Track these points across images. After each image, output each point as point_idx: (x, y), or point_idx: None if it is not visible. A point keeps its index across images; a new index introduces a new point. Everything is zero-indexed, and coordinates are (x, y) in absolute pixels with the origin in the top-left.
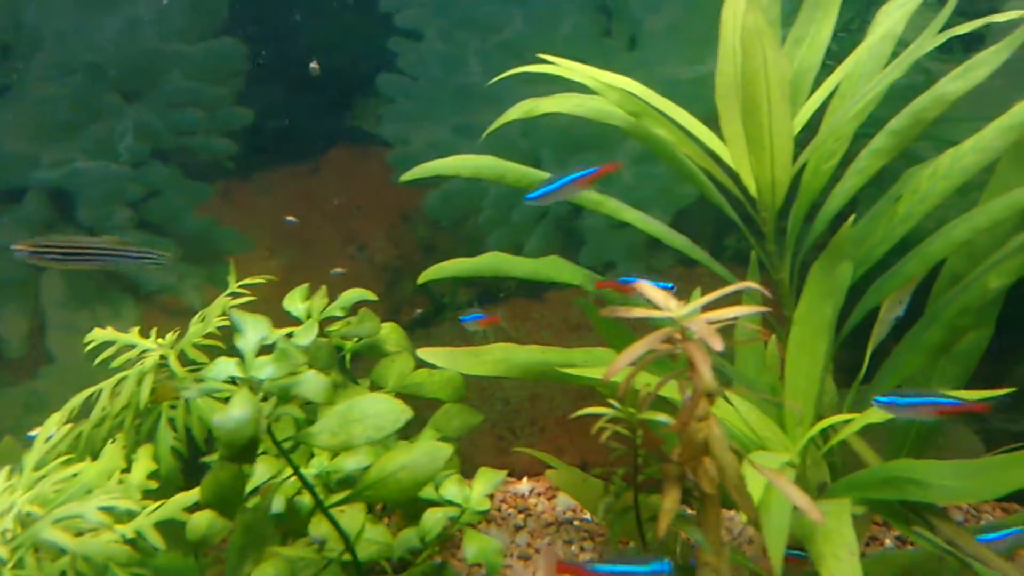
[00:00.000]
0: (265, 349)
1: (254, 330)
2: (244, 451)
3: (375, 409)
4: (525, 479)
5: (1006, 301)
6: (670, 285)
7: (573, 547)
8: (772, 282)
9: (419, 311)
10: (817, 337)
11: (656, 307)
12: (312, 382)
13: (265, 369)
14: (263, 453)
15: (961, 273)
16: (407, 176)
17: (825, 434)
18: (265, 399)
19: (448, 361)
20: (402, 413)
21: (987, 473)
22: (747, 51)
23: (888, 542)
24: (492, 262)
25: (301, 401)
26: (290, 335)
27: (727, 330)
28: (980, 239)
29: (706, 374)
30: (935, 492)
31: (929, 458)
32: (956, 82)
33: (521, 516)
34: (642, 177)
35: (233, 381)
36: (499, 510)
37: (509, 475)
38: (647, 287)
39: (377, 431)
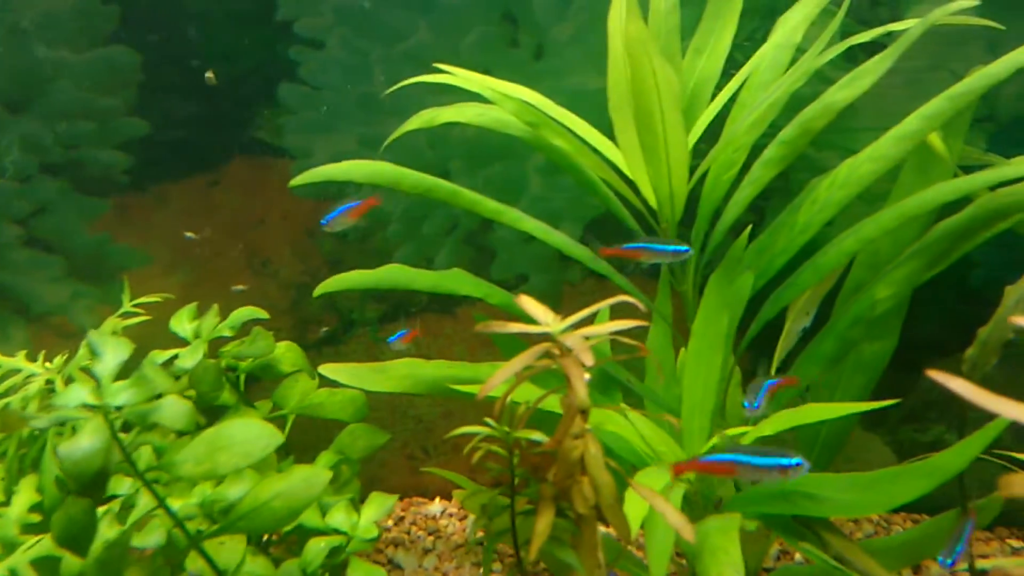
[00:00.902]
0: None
1: (113, 354)
2: (93, 484)
3: (244, 435)
4: (437, 499)
5: (910, 312)
6: (686, 248)
7: (480, 569)
8: (679, 295)
9: (325, 328)
10: (713, 350)
11: (534, 322)
12: (171, 408)
13: (121, 395)
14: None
15: (864, 282)
16: (297, 181)
17: None
18: (128, 429)
19: (351, 378)
20: (272, 438)
21: (879, 486)
22: (634, 61)
23: (798, 556)
24: (393, 274)
25: (161, 428)
26: (175, 356)
27: (639, 338)
28: (881, 247)
29: (580, 391)
30: (828, 506)
31: (839, 468)
32: (843, 91)
33: (431, 538)
34: (552, 187)
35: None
36: (408, 532)
37: (421, 495)
38: (527, 300)
39: (245, 458)
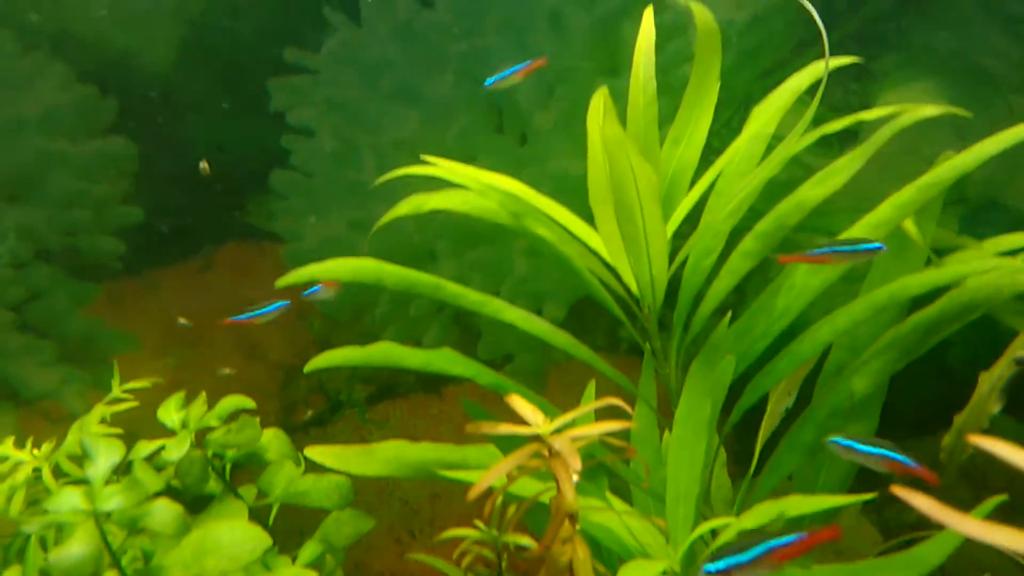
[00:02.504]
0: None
1: (106, 456)
2: None
3: (231, 538)
4: None
5: (889, 393)
6: (879, 245)
7: None
8: (661, 376)
9: (311, 412)
10: (697, 436)
11: (524, 422)
12: (162, 513)
13: (113, 500)
14: None
15: (844, 363)
16: (283, 281)
17: (715, 533)
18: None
19: (338, 461)
20: (259, 541)
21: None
22: (613, 159)
23: None
24: (384, 352)
25: (150, 532)
26: (162, 447)
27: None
28: (860, 331)
29: (568, 495)
30: None
31: (824, 552)
32: (815, 188)
33: None
34: (537, 269)
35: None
36: None
37: None
38: (517, 401)
39: (232, 561)
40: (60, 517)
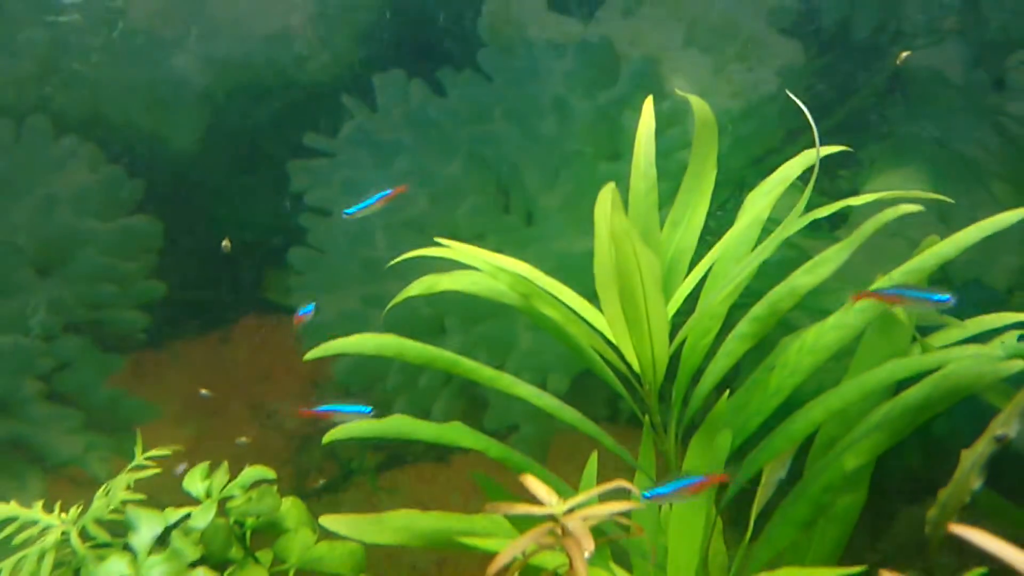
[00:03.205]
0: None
1: (147, 526)
2: None
3: None
4: None
5: (877, 464)
6: (947, 297)
7: None
8: (661, 450)
9: (322, 481)
10: (696, 510)
11: (538, 501)
12: None
13: (156, 569)
14: None
15: (835, 437)
16: (312, 355)
17: None
18: None
19: (350, 529)
20: None
21: None
22: (619, 247)
23: None
24: (397, 424)
25: None
26: (188, 516)
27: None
28: (850, 408)
29: (581, 572)
30: None
31: None
32: (806, 277)
33: None
34: (542, 343)
35: None
36: None
37: None
38: (531, 481)
39: None
40: None
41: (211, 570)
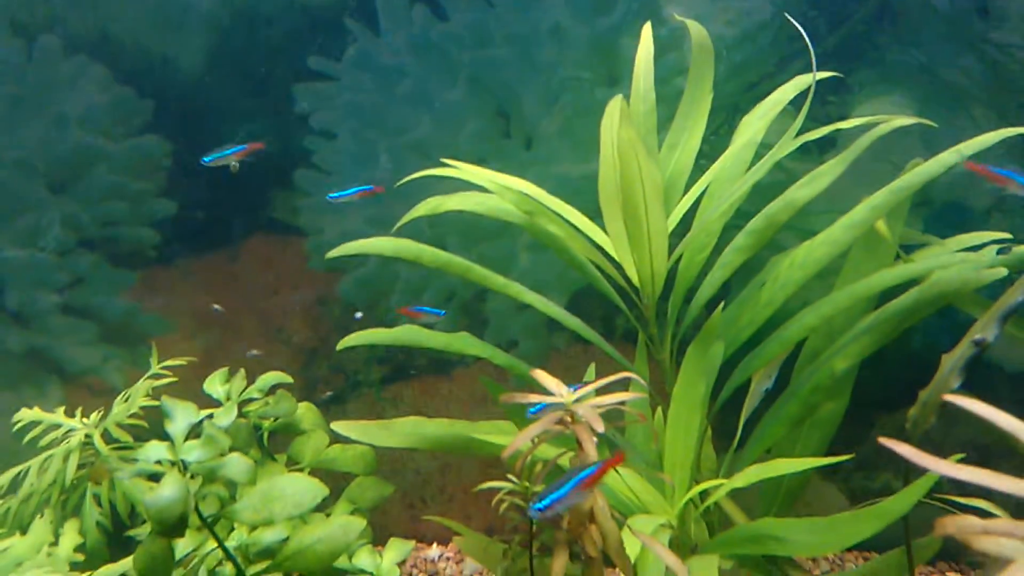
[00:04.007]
0: (192, 430)
1: (183, 416)
2: (174, 527)
3: (294, 488)
4: (435, 545)
5: (859, 373)
6: None
7: None
8: (655, 361)
9: (329, 392)
10: (692, 413)
11: (549, 393)
12: (237, 464)
13: (193, 452)
14: None
15: (819, 349)
16: (333, 254)
17: (703, 497)
18: (192, 478)
19: (361, 434)
20: (319, 491)
21: (837, 528)
22: (624, 160)
23: None
24: (408, 334)
25: (225, 480)
26: (211, 416)
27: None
28: (836, 320)
29: (591, 452)
30: (792, 546)
31: (798, 515)
32: (803, 189)
33: None
34: (539, 263)
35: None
36: (410, 574)
37: (420, 541)
38: (541, 374)
39: (296, 508)
40: (148, 466)
41: (244, 455)
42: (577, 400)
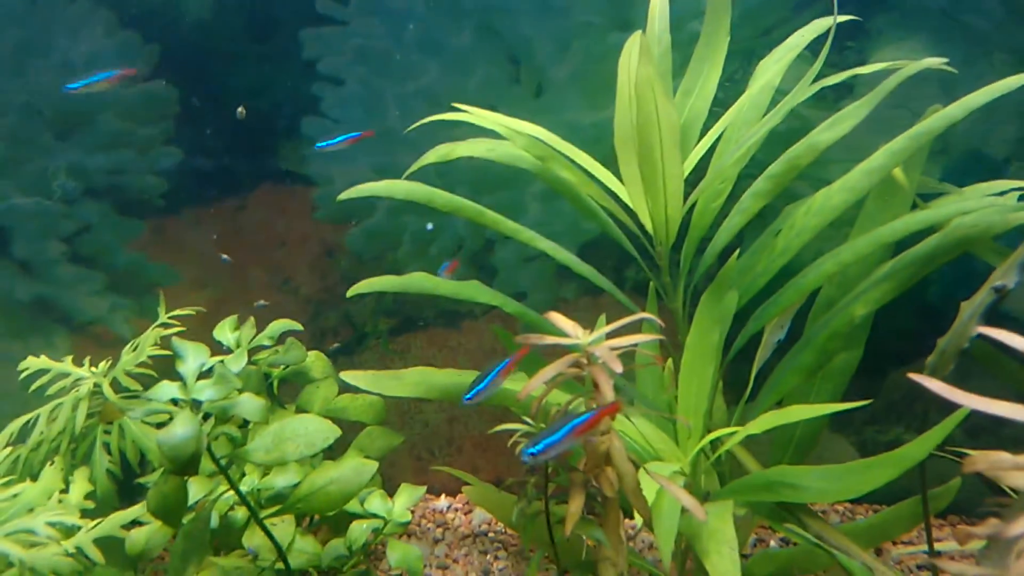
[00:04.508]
0: (202, 375)
1: (194, 356)
2: (187, 465)
3: (306, 428)
4: (443, 496)
5: (873, 325)
6: None
7: (488, 556)
8: (668, 310)
9: (336, 344)
10: (706, 361)
11: (566, 335)
12: (249, 404)
13: (205, 392)
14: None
15: (834, 299)
16: (344, 196)
17: (714, 446)
18: (204, 419)
19: (371, 383)
20: (331, 432)
21: (850, 476)
22: (641, 101)
23: (773, 543)
24: (419, 281)
25: (238, 421)
26: (221, 363)
27: (629, 354)
28: (850, 269)
29: (608, 393)
30: (806, 493)
31: (808, 465)
32: (826, 132)
33: (440, 530)
34: (550, 213)
35: (175, 402)
36: (419, 525)
37: (428, 493)
38: (557, 316)
39: (309, 448)
40: (159, 405)
41: (256, 395)
42: (592, 341)
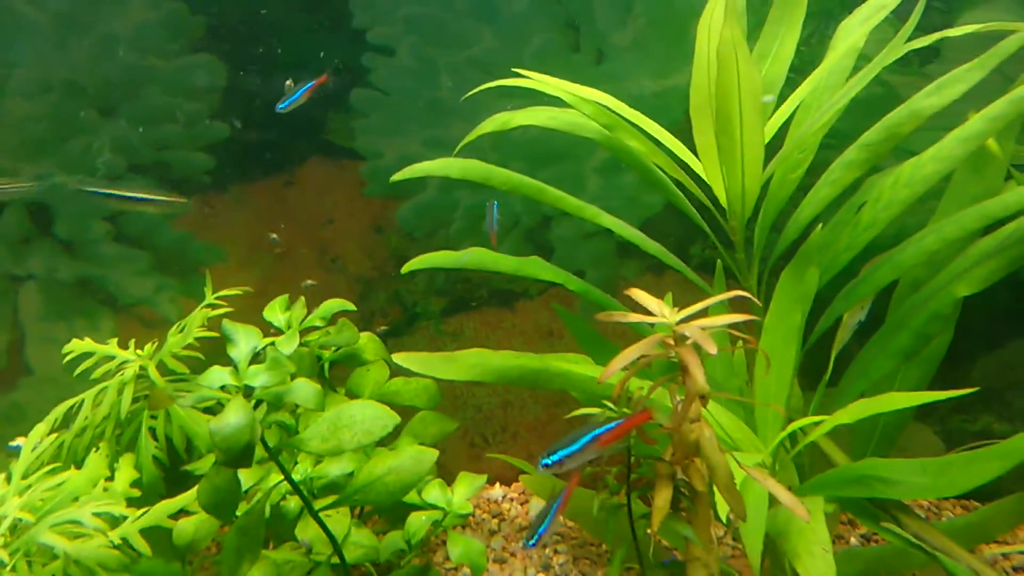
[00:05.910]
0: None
1: (246, 340)
2: (240, 456)
3: (363, 415)
4: (498, 485)
5: (963, 308)
6: None
7: (547, 549)
8: (740, 290)
9: (386, 326)
10: (787, 343)
11: (650, 313)
12: (304, 390)
13: (259, 377)
14: None
15: (922, 280)
16: (397, 176)
17: (793, 436)
18: (256, 406)
19: (423, 366)
20: (389, 419)
21: (952, 470)
22: (722, 64)
23: (853, 540)
24: (478, 256)
25: (291, 407)
26: (272, 344)
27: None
28: (949, 247)
29: (699, 377)
30: (902, 489)
31: (892, 458)
32: (931, 98)
33: (495, 521)
34: (610, 187)
35: (225, 388)
36: (473, 515)
37: None
38: (639, 293)
39: (366, 436)
40: (210, 392)
41: (309, 380)
42: (682, 320)
